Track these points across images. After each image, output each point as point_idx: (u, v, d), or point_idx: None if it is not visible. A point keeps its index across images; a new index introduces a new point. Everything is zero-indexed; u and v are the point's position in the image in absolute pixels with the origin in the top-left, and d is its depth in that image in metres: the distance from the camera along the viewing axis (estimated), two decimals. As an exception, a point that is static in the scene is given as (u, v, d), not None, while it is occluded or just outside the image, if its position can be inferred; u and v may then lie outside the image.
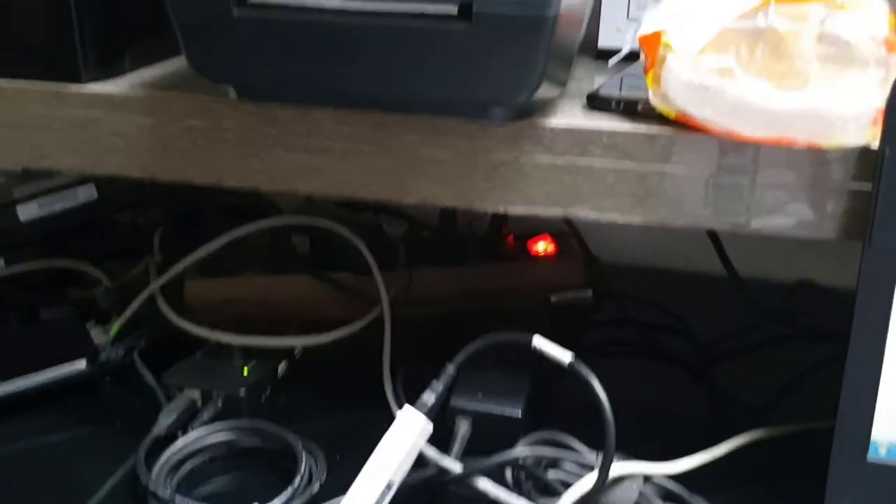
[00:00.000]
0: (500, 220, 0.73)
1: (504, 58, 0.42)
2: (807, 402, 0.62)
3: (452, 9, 0.41)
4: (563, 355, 0.47)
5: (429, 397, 0.49)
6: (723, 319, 0.71)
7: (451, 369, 0.50)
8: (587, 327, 0.70)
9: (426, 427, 0.48)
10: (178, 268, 0.63)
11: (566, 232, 0.73)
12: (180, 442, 0.53)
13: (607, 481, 0.47)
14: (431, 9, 0.41)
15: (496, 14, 0.40)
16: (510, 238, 0.73)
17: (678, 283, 0.78)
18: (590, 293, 0.69)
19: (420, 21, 0.42)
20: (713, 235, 0.69)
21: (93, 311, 0.66)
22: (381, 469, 0.46)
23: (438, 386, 0.49)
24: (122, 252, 0.73)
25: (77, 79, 0.50)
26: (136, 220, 0.75)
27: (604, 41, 0.61)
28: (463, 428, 0.54)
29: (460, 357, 0.50)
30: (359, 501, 0.45)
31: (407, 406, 0.48)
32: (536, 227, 0.73)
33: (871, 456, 0.48)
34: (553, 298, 0.68)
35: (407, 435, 0.47)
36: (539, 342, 0.48)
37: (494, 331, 0.51)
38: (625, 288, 0.72)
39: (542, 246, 0.72)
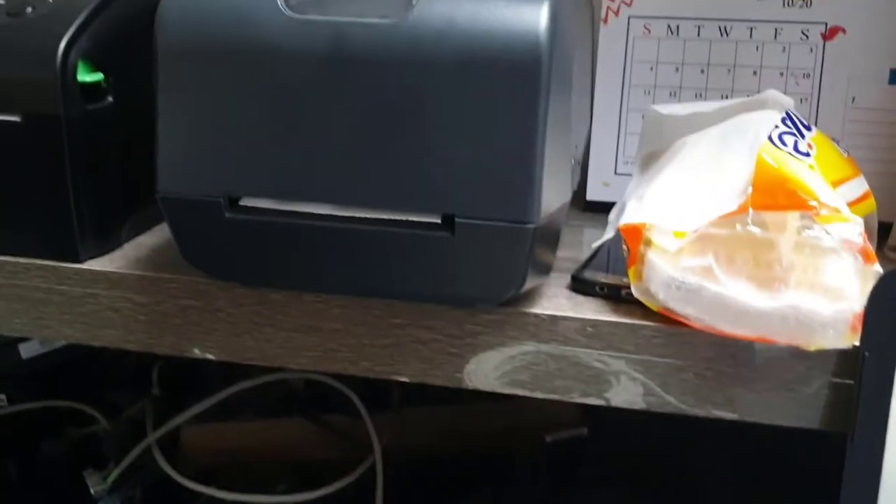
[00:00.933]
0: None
1: (488, 262, 0.43)
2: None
3: (436, 218, 0.42)
4: None
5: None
6: (719, 459, 0.71)
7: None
8: (583, 465, 0.70)
9: None
10: (174, 422, 0.64)
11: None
12: None
13: None
14: (416, 217, 0.42)
15: (478, 224, 0.42)
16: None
17: (675, 421, 0.78)
18: (585, 431, 0.70)
19: (406, 228, 0.43)
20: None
21: (91, 451, 0.67)
22: None
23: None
24: (122, 385, 0.74)
25: (75, 258, 0.51)
26: (136, 359, 0.76)
27: (592, 194, 0.62)
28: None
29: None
30: None
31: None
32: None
33: None
34: (548, 438, 0.69)
35: None
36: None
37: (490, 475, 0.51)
38: (620, 425, 0.72)
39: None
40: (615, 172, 0.62)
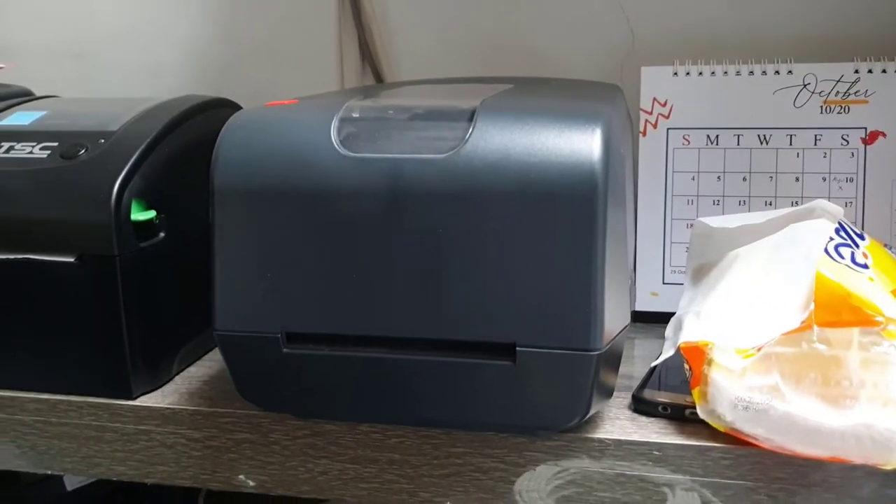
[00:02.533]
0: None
1: (550, 391, 0.42)
2: None
3: (496, 348, 0.42)
4: None
5: None
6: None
7: None
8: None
9: None
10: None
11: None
12: None
13: None
14: (476, 348, 0.42)
15: (539, 352, 0.41)
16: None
17: None
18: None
19: (466, 358, 0.42)
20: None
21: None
22: None
23: None
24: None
25: (128, 395, 0.51)
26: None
27: (640, 304, 0.62)
28: None
29: None
30: None
31: None
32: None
33: None
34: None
35: None
36: None
37: None
38: None
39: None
40: (662, 282, 0.61)
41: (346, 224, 0.41)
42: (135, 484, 0.72)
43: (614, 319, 0.42)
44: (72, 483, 0.70)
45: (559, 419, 0.43)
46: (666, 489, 0.45)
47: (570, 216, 0.40)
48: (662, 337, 0.53)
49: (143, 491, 0.73)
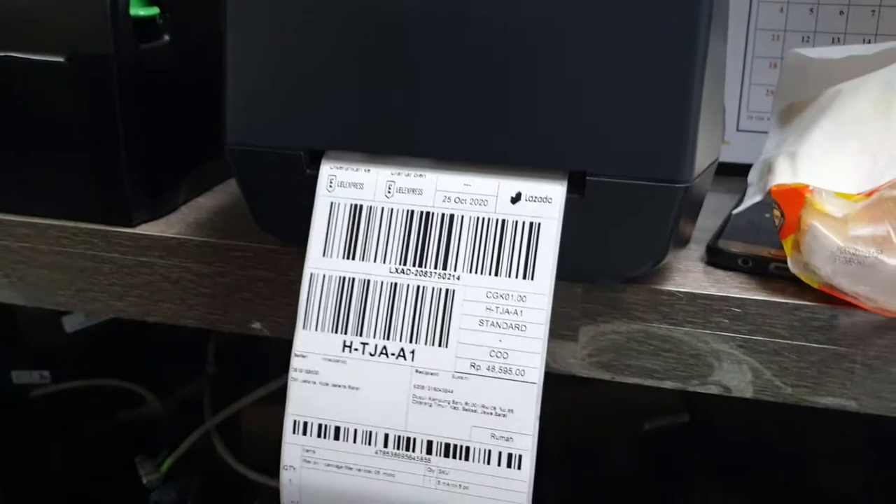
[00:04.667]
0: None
1: (623, 230, 0.36)
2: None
3: (563, 174, 0.35)
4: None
5: None
6: (839, 456, 0.63)
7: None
8: (684, 455, 0.63)
9: None
10: (234, 407, 0.57)
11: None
12: None
13: None
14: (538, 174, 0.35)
15: (615, 183, 0.34)
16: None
17: (786, 409, 0.71)
18: (687, 418, 0.63)
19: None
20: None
21: (142, 435, 0.62)
22: None
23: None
24: (174, 361, 0.68)
25: (127, 221, 0.45)
26: (187, 333, 0.69)
27: (709, 154, 0.54)
28: None
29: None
30: None
31: None
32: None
33: None
34: (647, 426, 0.62)
35: None
36: None
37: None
38: (724, 412, 0.65)
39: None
40: (737, 129, 0.54)
41: (391, 17, 0.34)
42: (137, 330, 0.68)
43: (705, 151, 0.35)
44: (71, 325, 0.65)
45: (628, 265, 0.37)
46: (738, 353, 0.39)
47: (671, 16, 0.32)
48: (735, 191, 0.46)
49: (145, 338, 0.68)
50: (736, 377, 0.40)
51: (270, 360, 0.59)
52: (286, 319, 0.44)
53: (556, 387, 0.63)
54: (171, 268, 0.45)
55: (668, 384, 0.41)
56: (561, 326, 0.41)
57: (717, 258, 0.41)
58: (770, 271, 0.40)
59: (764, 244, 0.41)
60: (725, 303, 0.39)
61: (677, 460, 0.62)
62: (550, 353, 0.41)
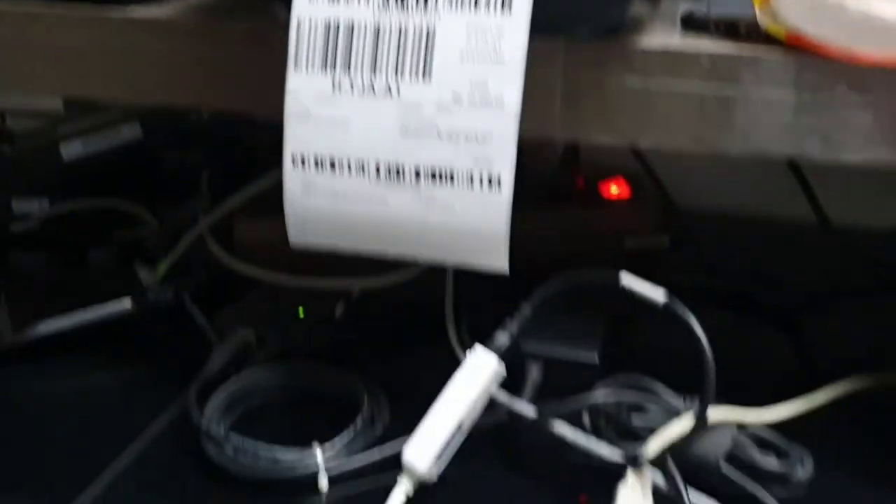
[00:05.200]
0: (569, 162, 0.69)
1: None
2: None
3: None
4: (656, 294, 0.43)
5: (502, 338, 0.45)
6: (812, 269, 0.65)
7: (526, 310, 0.46)
8: (663, 275, 0.65)
9: (498, 370, 0.44)
10: (228, 204, 0.59)
11: (641, 174, 0.69)
12: (234, 382, 0.50)
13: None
14: None
15: None
16: (580, 180, 0.68)
17: (761, 231, 0.73)
18: (667, 238, 0.65)
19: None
20: (801, 178, 0.64)
21: (140, 253, 0.63)
22: (452, 409, 0.42)
23: (513, 326, 0.45)
24: (169, 193, 0.69)
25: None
26: (182, 159, 0.71)
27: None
28: (534, 374, 0.50)
29: (537, 297, 0.46)
30: (429, 440, 0.42)
31: (479, 346, 0.44)
32: (609, 169, 0.69)
33: None
34: (627, 244, 0.64)
35: (478, 376, 0.44)
36: (628, 280, 0.44)
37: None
38: (704, 234, 0.67)
39: (615, 188, 0.67)
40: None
41: None
42: (135, 159, 0.70)
43: None
44: (69, 154, 0.67)
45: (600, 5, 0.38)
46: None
47: None
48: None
49: (143, 165, 0.70)
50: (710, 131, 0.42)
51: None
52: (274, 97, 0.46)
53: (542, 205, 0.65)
54: (162, 50, 0.46)
55: (642, 141, 0.43)
56: (540, 88, 0.42)
57: (690, 24, 0.43)
58: (741, 33, 0.42)
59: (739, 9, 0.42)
60: (697, 58, 0.40)
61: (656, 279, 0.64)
62: (529, 115, 0.42)
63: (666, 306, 0.43)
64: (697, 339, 0.42)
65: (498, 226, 0.41)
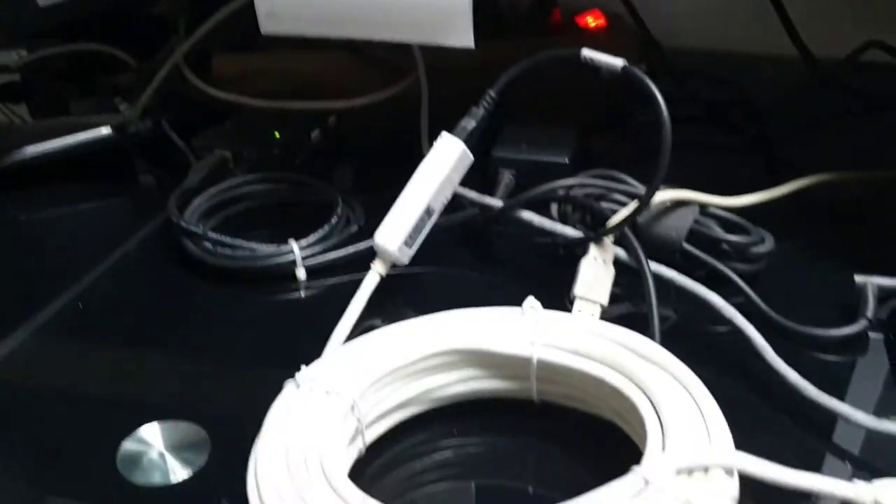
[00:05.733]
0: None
1: None
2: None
3: None
4: (615, 62, 0.44)
5: (468, 123, 0.45)
6: (783, 93, 0.66)
7: (491, 93, 0.46)
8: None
9: (465, 154, 0.45)
10: (205, 27, 0.59)
11: (620, 9, 0.69)
12: (212, 191, 0.51)
13: (661, 206, 0.44)
14: None
15: None
16: (556, 12, 0.68)
17: (740, 65, 0.73)
18: (643, 67, 0.65)
19: None
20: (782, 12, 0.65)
21: (121, 93, 0.64)
22: (419, 192, 0.43)
23: (478, 112, 0.46)
24: (146, 41, 0.70)
25: None
26: (159, 7, 0.71)
27: None
28: (506, 178, 0.51)
29: (502, 81, 0.46)
30: (398, 222, 0.43)
31: (445, 133, 0.45)
32: (585, 3, 0.69)
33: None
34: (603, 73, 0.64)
35: (444, 159, 0.44)
36: (589, 53, 0.44)
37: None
38: (682, 67, 0.67)
39: (592, 20, 0.67)
40: None
41: None
42: (105, 10, 0.69)
43: None
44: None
45: None
46: None
47: None
48: None
49: (120, 15, 0.70)
50: None
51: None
52: None
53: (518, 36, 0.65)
54: None
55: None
56: None
57: None
58: None
59: None
60: None
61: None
62: None
63: (624, 69, 0.43)
64: (653, 98, 0.42)
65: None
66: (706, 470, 0.30)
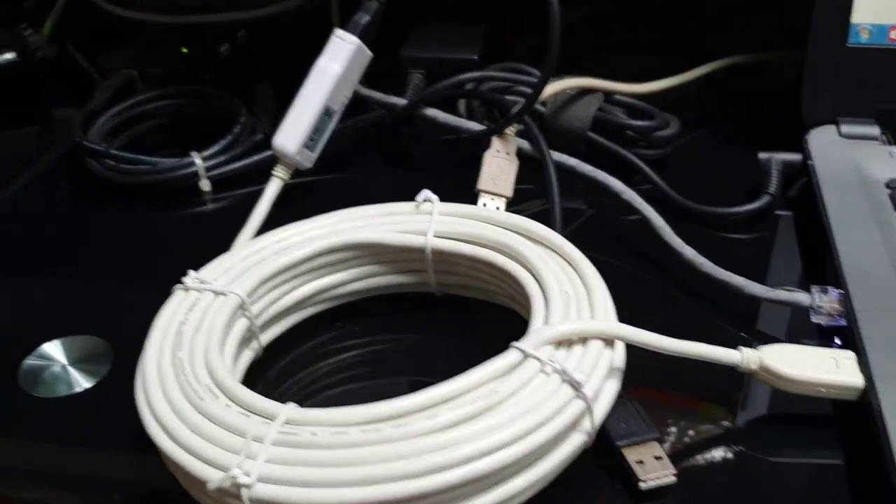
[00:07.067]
0: None
1: None
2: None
3: None
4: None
5: (360, 17, 0.44)
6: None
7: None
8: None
9: (361, 50, 0.43)
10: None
11: None
12: (117, 108, 0.50)
13: (566, 97, 0.44)
14: None
15: None
16: None
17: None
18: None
19: None
20: None
21: (26, 20, 0.62)
22: (316, 91, 0.43)
23: (372, 5, 0.44)
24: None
25: None
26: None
27: None
28: (416, 79, 0.50)
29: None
30: (296, 124, 0.42)
31: (337, 29, 0.44)
32: None
33: (851, 41, 0.44)
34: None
35: (339, 55, 0.43)
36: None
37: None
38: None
39: None
40: None
41: None
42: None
43: None
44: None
45: None
46: None
47: None
48: None
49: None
50: None
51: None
52: None
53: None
54: None
55: None
56: None
57: None
58: None
59: None
60: None
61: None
62: None
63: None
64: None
65: None
66: (584, 341, 0.30)
